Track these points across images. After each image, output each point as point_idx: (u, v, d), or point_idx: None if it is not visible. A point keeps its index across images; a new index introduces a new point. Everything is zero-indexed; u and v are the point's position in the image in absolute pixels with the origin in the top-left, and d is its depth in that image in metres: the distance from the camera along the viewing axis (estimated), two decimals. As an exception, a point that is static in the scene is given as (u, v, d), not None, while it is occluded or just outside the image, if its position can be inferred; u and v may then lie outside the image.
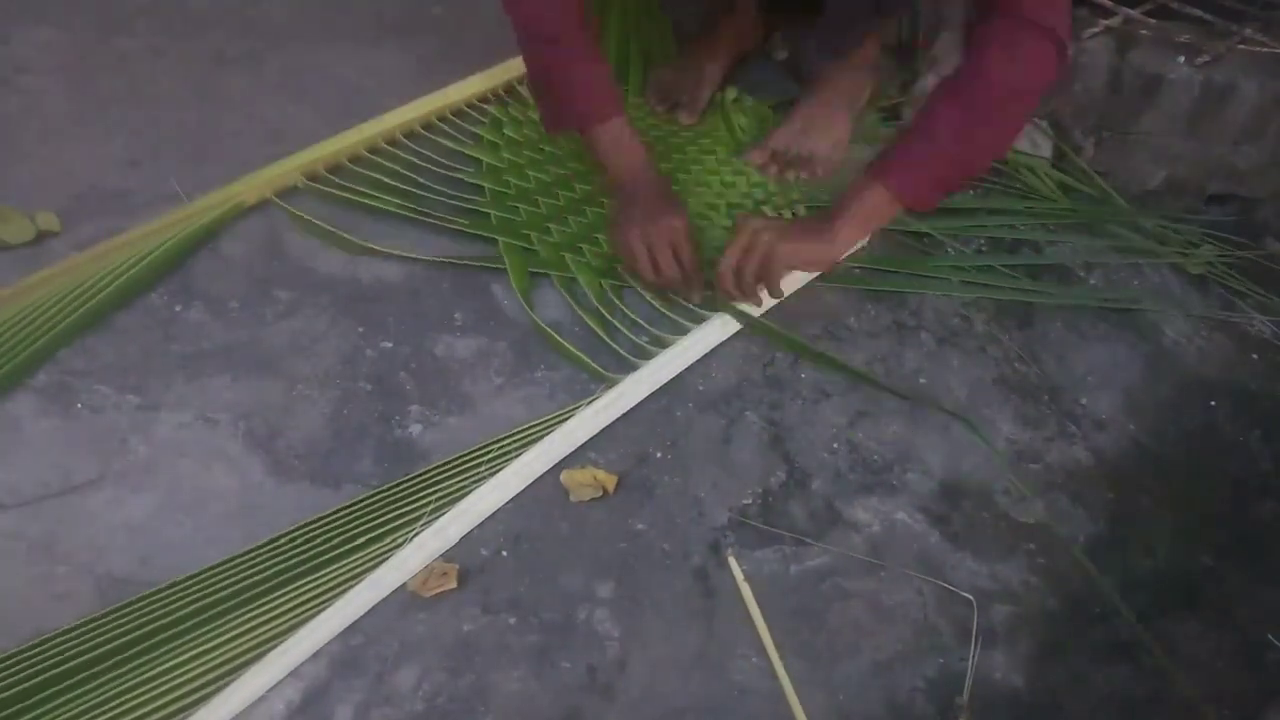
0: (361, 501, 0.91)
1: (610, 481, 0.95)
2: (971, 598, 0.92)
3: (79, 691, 0.76)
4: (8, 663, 0.77)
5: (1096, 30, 1.40)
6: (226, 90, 1.35)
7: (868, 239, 1.21)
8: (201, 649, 0.80)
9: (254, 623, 0.82)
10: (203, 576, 0.84)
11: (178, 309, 1.06)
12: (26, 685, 0.75)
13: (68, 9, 1.43)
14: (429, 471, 0.94)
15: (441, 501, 0.92)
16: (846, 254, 1.17)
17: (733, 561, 0.92)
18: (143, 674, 0.78)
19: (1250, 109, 1.34)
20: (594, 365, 1.05)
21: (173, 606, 0.81)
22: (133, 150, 1.23)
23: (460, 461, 0.95)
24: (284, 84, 1.37)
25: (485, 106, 1.35)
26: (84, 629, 0.79)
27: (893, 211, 1.10)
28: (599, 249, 1.17)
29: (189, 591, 0.83)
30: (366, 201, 1.18)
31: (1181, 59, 1.35)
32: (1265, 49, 1.36)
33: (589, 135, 1.12)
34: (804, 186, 1.32)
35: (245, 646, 0.80)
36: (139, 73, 1.35)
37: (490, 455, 0.96)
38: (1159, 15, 1.41)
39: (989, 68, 1.01)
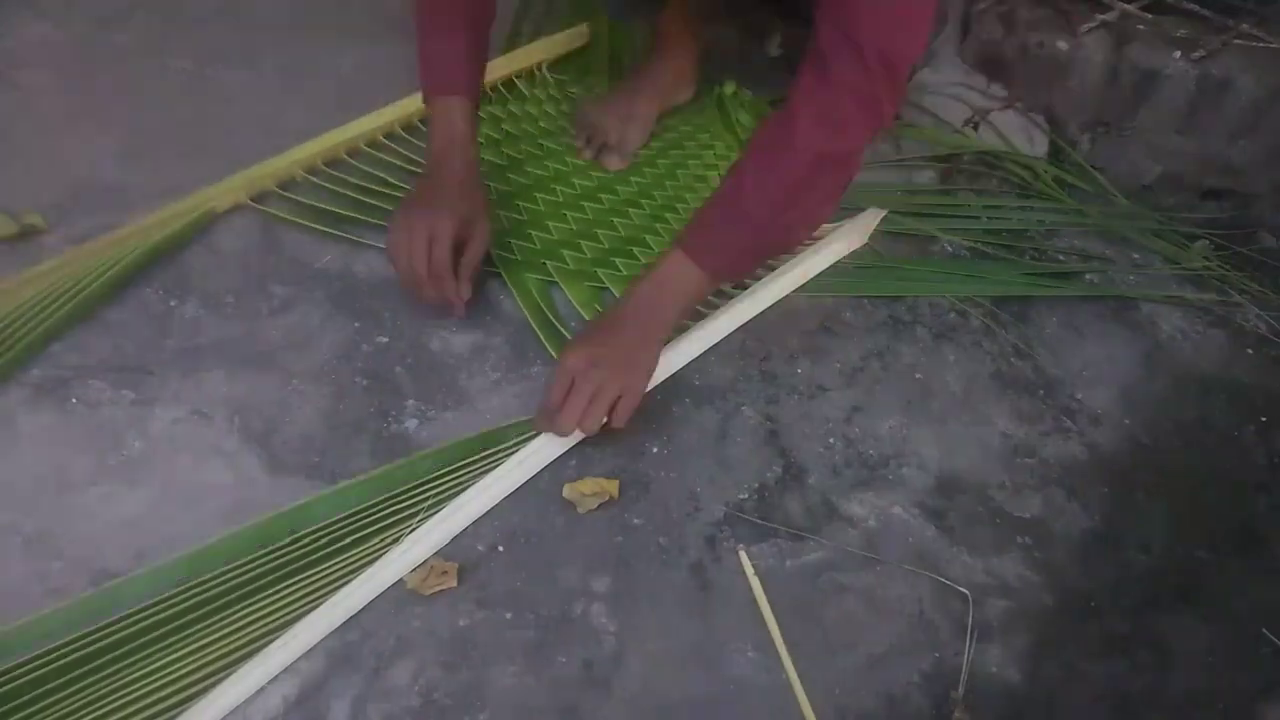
0: (354, 488, 0.91)
1: (613, 486, 0.95)
2: (967, 592, 0.92)
3: (76, 688, 0.76)
4: (3, 658, 0.77)
5: (1093, 25, 1.40)
6: (222, 86, 1.34)
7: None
8: (197, 644, 0.79)
9: (250, 618, 0.82)
10: (200, 571, 0.84)
11: (173, 304, 1.06)
12: (19, 682, 0.75)
13: (63, 4, 1.42)
14: (425, 457, 0.93)
15: (437, 498, 0.92)
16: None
17: (743, 555, 0.92)
18: (138, 670, 0.77)
19: (1246, 104, 1.34)
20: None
21: (168, 601, 0.81)
22: (128, 145, 1.23)
23: (455, 458, 0.95)
24: (280, 79, 1.36)
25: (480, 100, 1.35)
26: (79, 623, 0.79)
27: (699, 288, 0.99)
28: (581, 254, 1.17)
29: (186, 587, 0.83)
30: (362, 198, 1.17)
31: (1178, 54, 1.36)
32: (1261, 44, 1.36)
33: (427, 107, 1.07)
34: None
35: (241, 641, 0.80)
36: (134, 68, 1.35)
37: (486, 451, 0.96)
38: (1155, 10, 1.41)
39: (795, 132, 0.91)
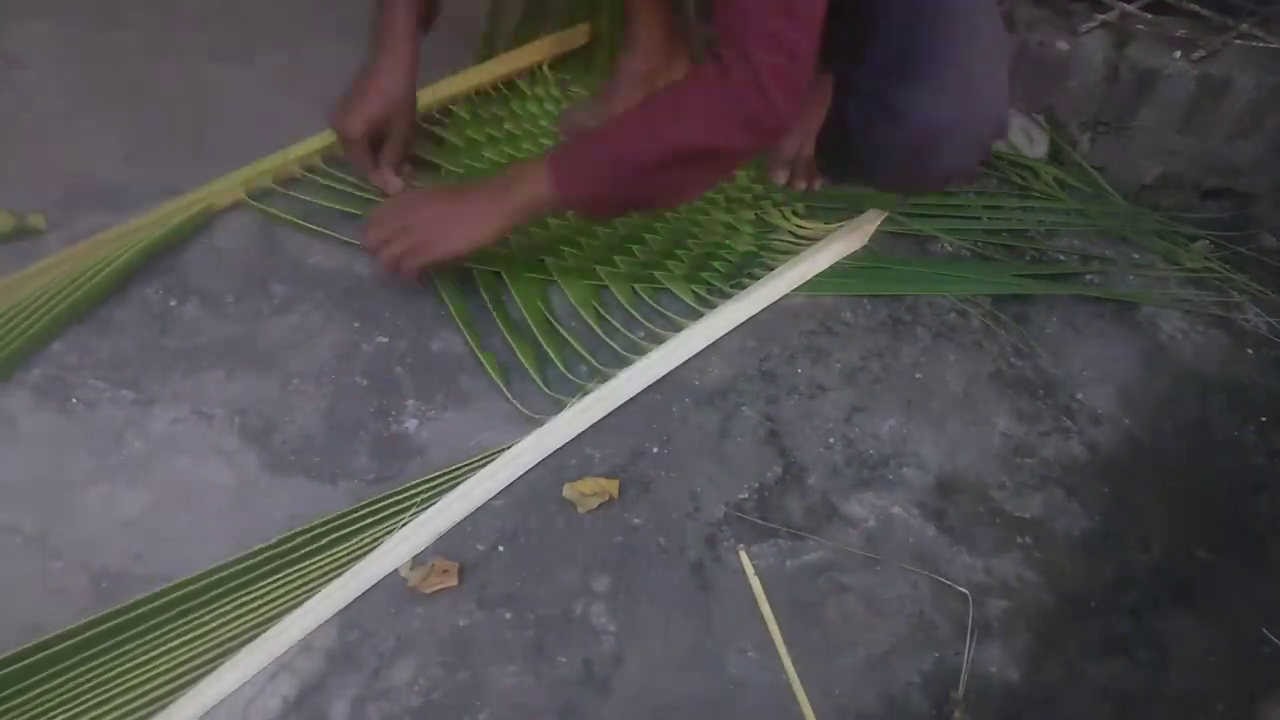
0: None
1: (613, 486, 0.95)
2: (967, 592, 0.92)
3: (70, 675, 0.77)
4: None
5: (1093, 25, 1.40)
6: (222, 85, 1.34)
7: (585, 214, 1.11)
8: (191, 634, 0.80)
9: (244, 610, 0.82)
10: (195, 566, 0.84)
11: (173, 304, 1.06)
12: (13, 669, 0.76)
13: (63, 3, 1.42)
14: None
15: (432, 493, 0.92)
16: (494, 235, 1.03)
17: (743, 555, 0.92)
18: (131, 659, 0.78)
19: (1246, 104, 1.34)
20: (593, 362, 1.05)
21: (162, 591, 0.82)
22: (128, 144, 1.23)
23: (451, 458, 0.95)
24: (279, 79, 1.36)
25: (479, 99, 1.35)
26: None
27: (548, 200, 0.99)
28: (580, 251, 1.17)
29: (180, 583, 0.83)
30: (362, 194, 1.17)
31: (1178, 54, 1.36)
32: (1261, 44, 1.36)
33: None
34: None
35: (235, 632, 0.81)
36: (134, 67, 1.34)
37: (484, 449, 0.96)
38: (1155, 10, 1.41)
39: (680, 113, 0.92)
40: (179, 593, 0.82)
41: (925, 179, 1.15)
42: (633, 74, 1.31)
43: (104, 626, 0.79)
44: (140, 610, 0.80)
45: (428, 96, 1.31)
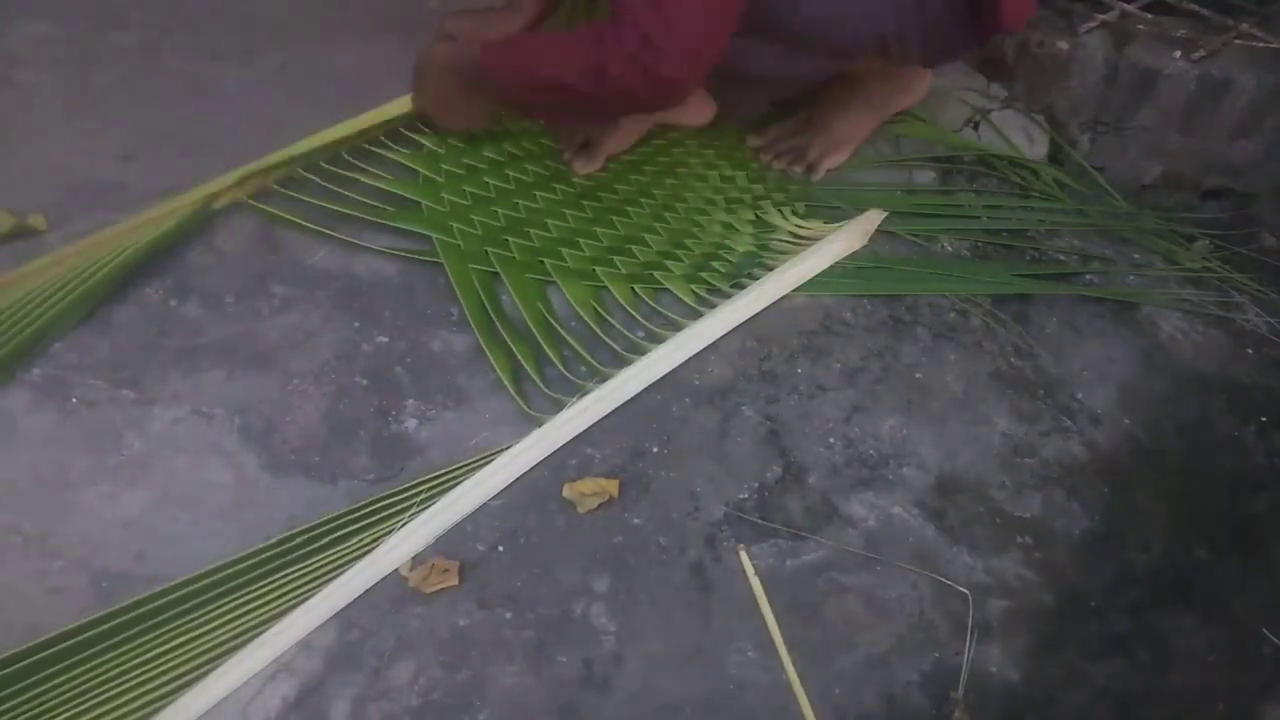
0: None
1: (613, 486, 0.95)
2: (967, 592, 0.92)
3: (71, 674, 0.77)
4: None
5: (1093, 25, 1.40)
6: (221, 85, 1.34)
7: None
8: (192, 633, 0.80)
9: (244, 609, 0.82)
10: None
11: (173, 304, 1.06)
12: (14, 668, 0.76)
13: (63, 3, 1.42)
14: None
15: (431, 493, 0.92)
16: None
17: (743, 555, 0.92)
18: (131, 658, 0.78)
19: (1246, 104, 1.34)
20: (593, 362, 1.05)
21: (162, 594, 0.82)
22: (127, 144, 1.23)
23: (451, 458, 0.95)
24: (279, 78, 1.36)
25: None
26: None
27: (477, 71, 1.08)
28: (580, 252, 1.17)
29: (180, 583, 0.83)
30: (362, 197, 1.17)
31: (1177, 54, 1.36)
32: (1261, 43, 1.36)
33: None
34: (801, 183, 1.32)
35: (235, 631, 0.81)
36: (134, 67, 1.34)
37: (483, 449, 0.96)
38: (1155, 10, 1.41)
39: (593, 44, 0.98)
40: (179, 593, 0.82)
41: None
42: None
43: (104, 626, 0.79)
44: (140, 610, 0.80)
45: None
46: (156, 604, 0.81)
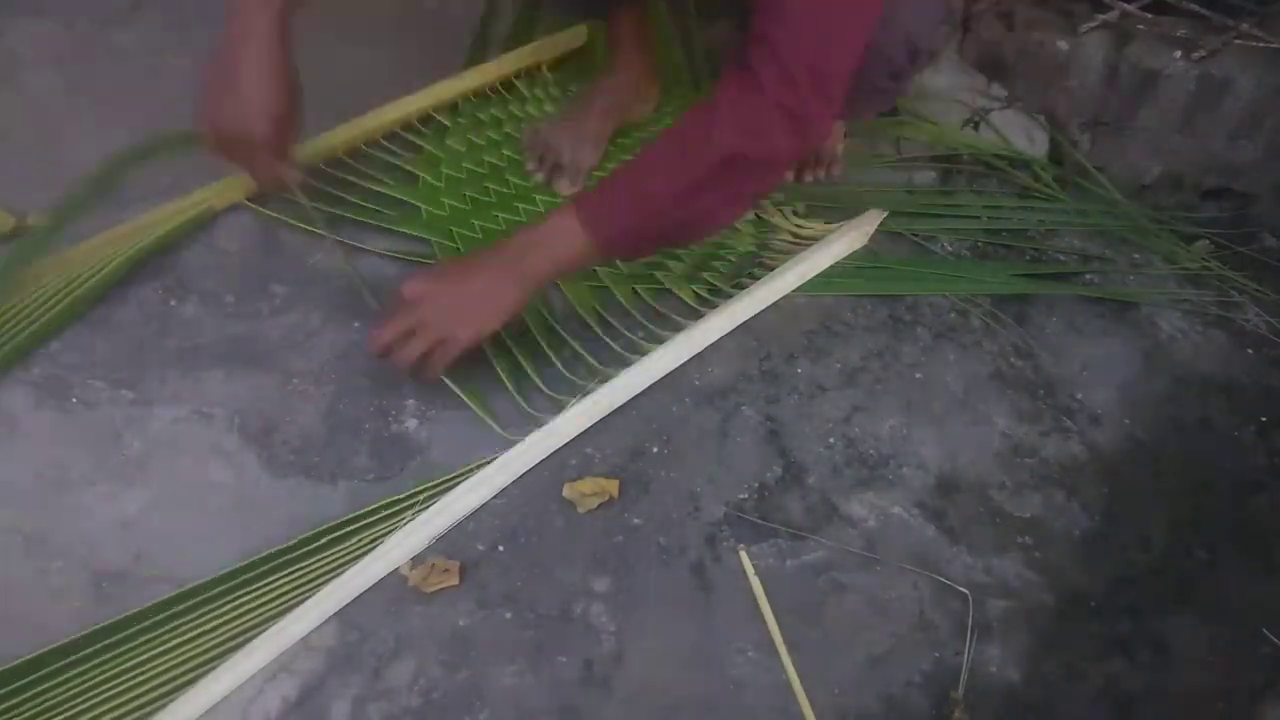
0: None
1: (613, 486, 0.95)
2: (967, 592, 0.92)
3: (69, 675, 0.77)
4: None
5: (1093, 25, 1.40)
6: (222, 85, 1.34)
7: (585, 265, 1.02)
8: (191, 634, 0.80)
9: (244, 609, 0.82)
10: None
11: (172, 303, 1.06)
12: (12, 666, 0.76)
13: (65, 3, 1.42)
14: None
15: (432, 493, 0.92)
16: (528, 296, 0.97)
17: (743, 555, 0.92)
18: (130, 659, 0.78)
19: (1246, 104, 1.34)
20: (593, 362, 1.05)
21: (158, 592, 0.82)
22: (128, 145, 1.22)
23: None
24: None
25: (477, 100, 1.35)
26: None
27: (581, 252, 0.93)
28: None
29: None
30: (361, 201, 1.17)
31: (1178, 54, 1.36)
32: (1261, 44, 1.36)
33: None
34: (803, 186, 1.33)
35: (235, 631, 0.81)
36: (136, 67, 1.34)
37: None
38: (1155, 10, 1.41)
39: (713, 127, 0.87)
40: (179, 593, 0.82)
41: None
42: (606, 97, 1.28)
43: (104, 626, 0.79)
44: (140, 610, 0.80)
45: (455, 88, 1.31)
46: (156, 604, 0.81)
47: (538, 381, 1.02)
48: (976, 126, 1.46)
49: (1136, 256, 1.34)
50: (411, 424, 0.98)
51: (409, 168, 1.23)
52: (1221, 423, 1.13)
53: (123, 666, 0.78)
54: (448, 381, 0.99)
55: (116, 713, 0.75)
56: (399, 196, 1.18)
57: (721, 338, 1.10)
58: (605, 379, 1.03)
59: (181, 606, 0.81)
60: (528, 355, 1.04)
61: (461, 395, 0.99)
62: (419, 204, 1.18)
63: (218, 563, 0.85)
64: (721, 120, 0.87)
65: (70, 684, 0.76)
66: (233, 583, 0.84)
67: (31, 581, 0.83)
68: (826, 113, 0.89)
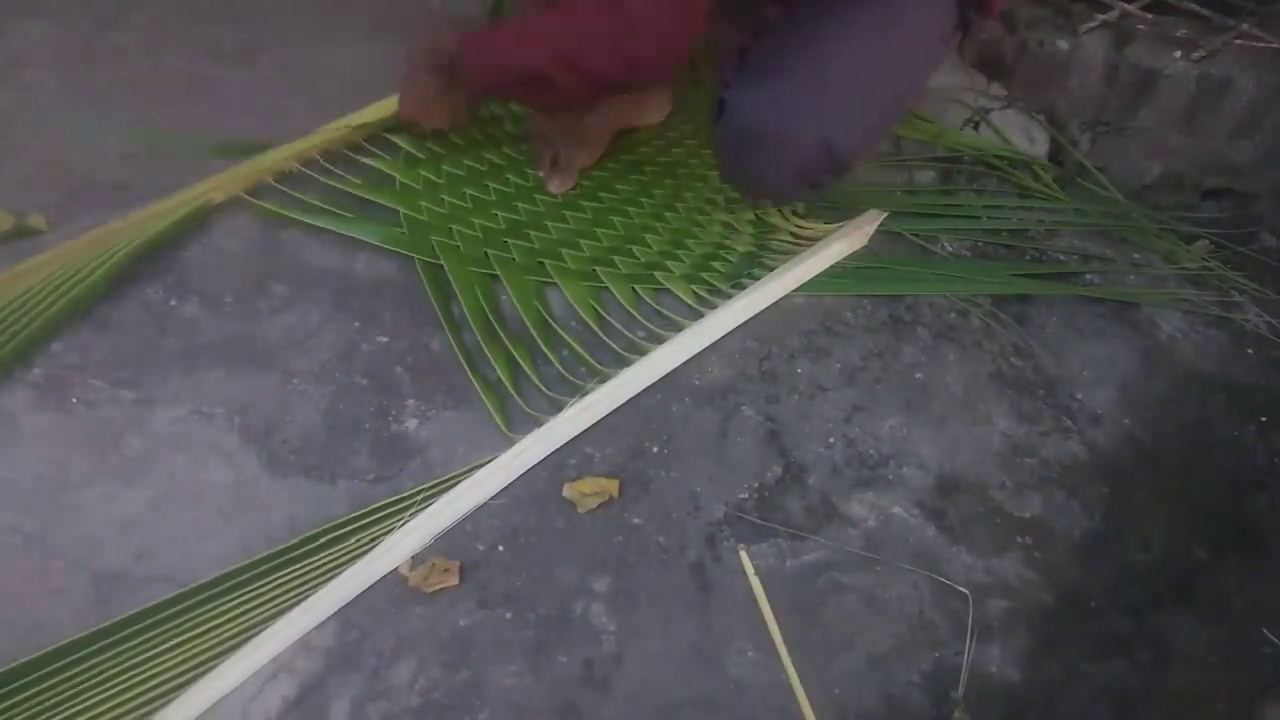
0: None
1: (613, 486, 0.95)
2: (967, 592, 0.92)
3: (69, 674, 0.77)
4: None
5: (1093, 25, 1.40)
6: (222, 84, 1.34)
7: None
8: (190, 633, 0.80)
9: (244, 608, 0.82)
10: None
11: (173, 303, 1.06)
12: (11, 666, 0.76)
13: (63, 3, 1.42)
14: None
15: (432, 493, 0.92)
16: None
17: (743, 555, 0.92)
18: (129, 658, 0.78)
19: (1246, 104, 1.34)
20: (593, 362, 1.05)
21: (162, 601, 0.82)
22: (128, 144, 1.23)
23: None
24: (279, 77, 1.36)
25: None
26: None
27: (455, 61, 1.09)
28: (580, 253, 1.17)
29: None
30: (360, 195, 1.17)
31: (1178, 54, 1.36)
32: (1261, 44, 1.36)
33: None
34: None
35: (234, 630, 0.81)
36: (134, 66, 1.34)
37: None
38: (1155, 10, 1.41)
39: (563, 27, 1.00)
40: (179, 593, 0.82)
41: (734, 179, 1.22)
42: (611, 101, 1.27)
43: (104, 626, 0.79)
44: (140, 610, 0.80)
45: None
46: (156, 604, 0.81)
47: (537, 381, 1.02)
48: (976, 126, 1.46)
49: (1136, 256, 1.34)
50: (411, 424, 0.98)
51: (415, 151, 1.23)
52: (1221, 423, 1.13)
53: (123, 666, 0.78)
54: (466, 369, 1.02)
55: (116, 713, 0.75)
56: (404, 180, 1.19)
57: (721, 338, 1.10)
58: (605, 379, 1.03)
59: (181, 606, 0.81)
60: (527, 355, 1.04)
61: (475, 384, 1.01)
62: (420, 200, 1.18)
63: (218, 562, 0.85)
64: (564, 23, 0.99)
65: (70, 684, 0.76)
66: (233, 582, 0.84)
67: (31, 581, 0.83)
68: (660, 35, 0.96)
